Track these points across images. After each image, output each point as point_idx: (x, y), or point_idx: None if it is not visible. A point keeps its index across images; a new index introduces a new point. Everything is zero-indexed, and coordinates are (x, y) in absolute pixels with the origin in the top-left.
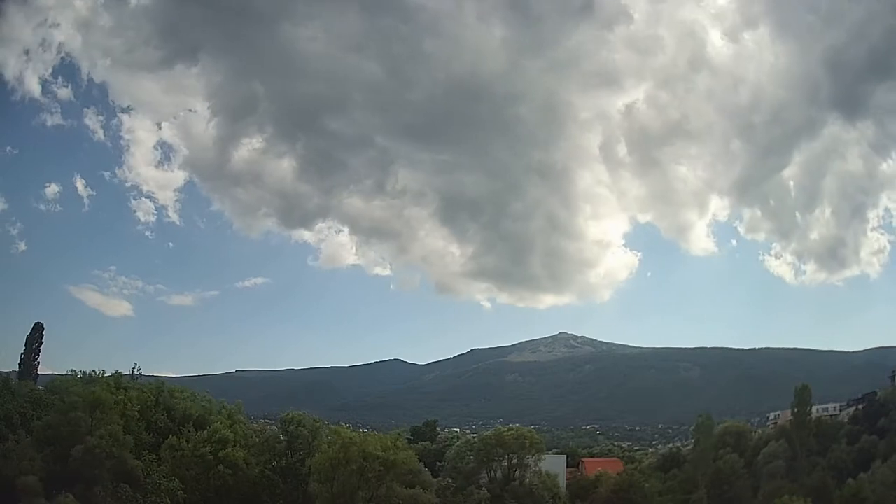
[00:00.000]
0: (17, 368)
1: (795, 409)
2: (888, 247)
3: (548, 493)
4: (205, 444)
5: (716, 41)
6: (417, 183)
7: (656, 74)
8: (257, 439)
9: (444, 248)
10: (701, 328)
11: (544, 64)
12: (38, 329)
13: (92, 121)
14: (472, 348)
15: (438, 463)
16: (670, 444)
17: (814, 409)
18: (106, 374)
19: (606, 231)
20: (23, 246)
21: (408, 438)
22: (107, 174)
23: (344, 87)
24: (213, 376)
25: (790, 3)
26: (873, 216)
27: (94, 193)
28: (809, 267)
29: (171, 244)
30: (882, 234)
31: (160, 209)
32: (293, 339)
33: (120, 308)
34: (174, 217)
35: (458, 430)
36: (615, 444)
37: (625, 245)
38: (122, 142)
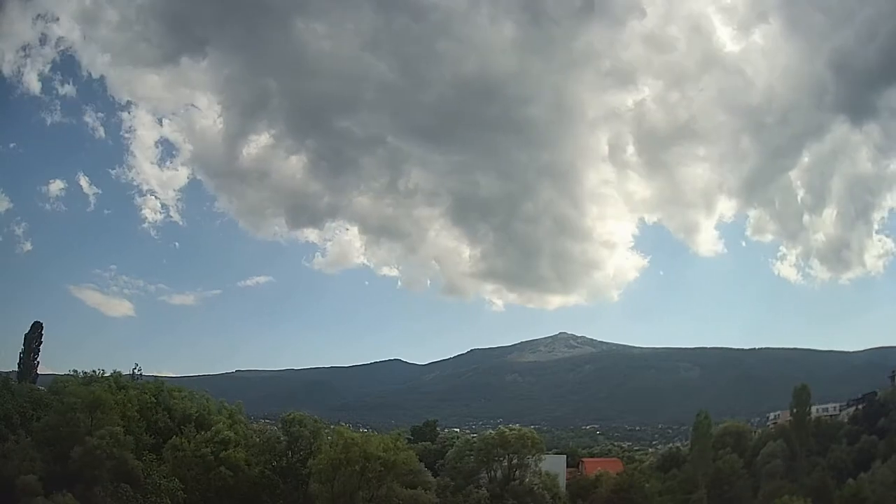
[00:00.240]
0: (16, 368)
1: (794, 410)
2: (893, 247)
3: (548, 492)
4: (206, 444)
5: (724, 38)
6: (430, 183)
7: (665, 72)
8: (258, 440)
9: (454, 248)
10: (701, 328)
11: (554, 63)
12: (37, 328)
13: (92, 118)
14: (472, 348)
15: (438, 463)
16: (670, 444)
17: (814, 409)
18: (106, 375)
19: (614, 232)
20: (28, 245)
21: (408, 438)
22: (113, 172)
23: (357, 85)
24: (214, 376)
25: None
26: (878, 218)
27: (100, 192)
28: (813, 267)
29: (175, 244)
30: (887, 235)
31: (165, 207)
32: (293, 339)
33: (121, 307)
34: (176, 216)
35: (458, 430)
36: (615, 444)
37: (634, 246)
38: (125, 138)
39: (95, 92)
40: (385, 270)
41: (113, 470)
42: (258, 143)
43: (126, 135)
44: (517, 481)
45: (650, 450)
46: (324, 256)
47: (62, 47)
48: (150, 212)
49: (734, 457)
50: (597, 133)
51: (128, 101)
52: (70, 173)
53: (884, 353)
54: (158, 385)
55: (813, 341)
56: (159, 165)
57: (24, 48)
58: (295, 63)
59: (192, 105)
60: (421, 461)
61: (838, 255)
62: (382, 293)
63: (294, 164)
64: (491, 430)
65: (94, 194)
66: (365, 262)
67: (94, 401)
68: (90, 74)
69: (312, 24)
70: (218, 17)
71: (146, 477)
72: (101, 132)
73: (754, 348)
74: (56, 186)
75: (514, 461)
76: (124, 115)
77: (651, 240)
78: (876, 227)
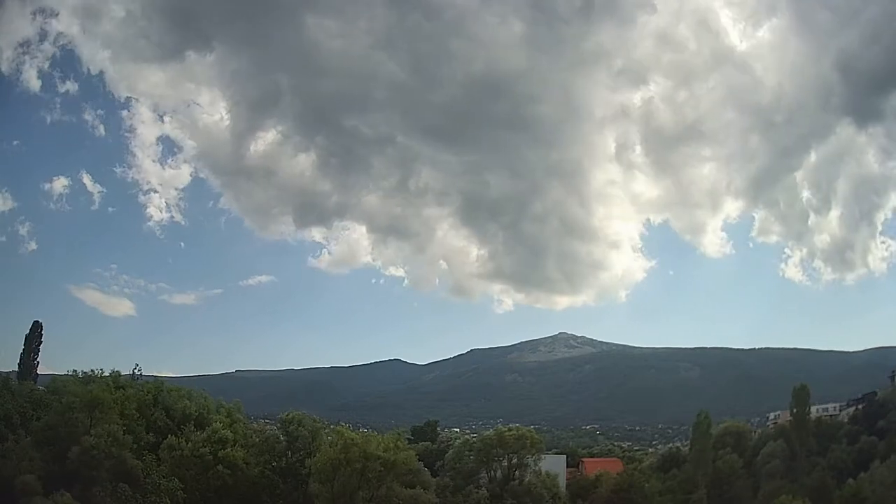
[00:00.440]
0: (16, 368)
1: (794, 410)
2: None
3: (547, 492)
4: (204, 444)
5: (733, 34)
6: (440, 183)
7: (674, 71)
8: (257, 439)
9: (462, 248)
10: (701, 329)
11: (563, 61)
12: (36, 328)
13: (92, 115)
14: (473, 348)
15: (438, 463)
16: (670, 444)
17: (814, 409)
18: (105, 374)
19: (620, 232)
20: (33, 245)
21: (408, 438)
22: (117, 170)
23: (368, 84)
24: (213, 376)
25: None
26: (882, 220)
27: (105, 190)
28: (817, 268)
29: (181, 244)
30: (891, 237)
31: (168, 206)
32: (293, 338)
33: (121, 307)
34: (178, 215)
35: (458, 430)
36: (615, 444)
37: (640, 247)
38: (126, 136)
39: (96, 88)
40: (391, 270)
41: (112, 469)
42: (265, 140)
43: (126, 133)
44: (517, 481)
45: (650, 450)
46: (330, 255)
47: (61, 43)
48: (155, 210)
49: (734, 457)
50: (604, 132)
51: (128, 98)
52: (73, 171)
53: (884, 354)
54: (158, 385)
55: (813, 341)
56: (161, 163)
57: (22, 44)
58: (305, 60)
59: (195, 102)
60: (421, 461)
61: (842, 256)
62: (387, 293)
63: (303, 162)
64: (491, 431)
65: (98, 192)
66: (371, 261)
67: (92, 400)
68: (90, 70)
69: (324, 21)
70: (226, 12)
71: (145, 476)
72: (102, 130)
73: (754, 348)
74: (59, 184)
75: (514, 461)
76: (124, 112)
77: (658, 241)
78: (880, 228)
